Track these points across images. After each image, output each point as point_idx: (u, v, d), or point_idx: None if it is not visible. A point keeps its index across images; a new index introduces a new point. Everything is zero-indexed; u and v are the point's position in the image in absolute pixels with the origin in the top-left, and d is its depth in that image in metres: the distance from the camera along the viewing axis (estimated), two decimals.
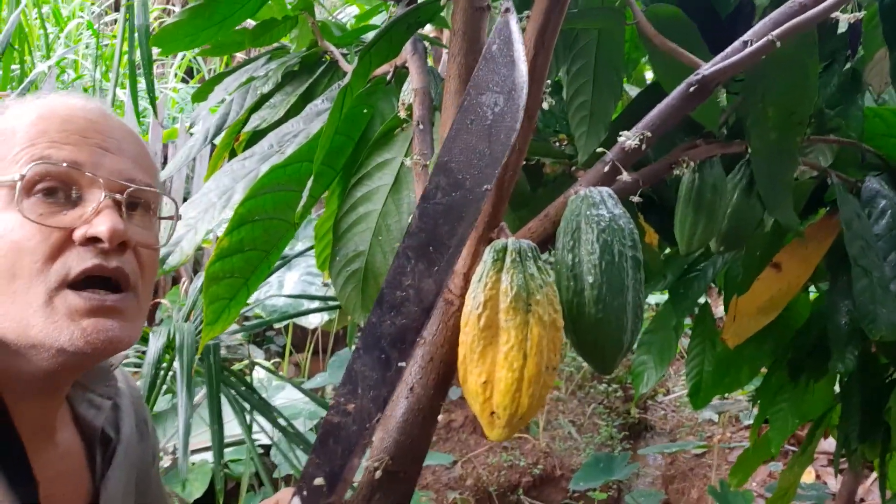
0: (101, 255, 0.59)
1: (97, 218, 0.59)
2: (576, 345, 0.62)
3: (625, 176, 0.67)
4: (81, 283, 0.59)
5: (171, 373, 1.55)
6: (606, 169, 0.68)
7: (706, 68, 0.71)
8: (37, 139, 0.60)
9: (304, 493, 0.59)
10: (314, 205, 1.00)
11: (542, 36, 0.51)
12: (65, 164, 0.59)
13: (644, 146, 0.68)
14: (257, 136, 1.16)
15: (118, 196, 0.61)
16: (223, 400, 1.62)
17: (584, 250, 0.60)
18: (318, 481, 0.57)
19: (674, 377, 4.15)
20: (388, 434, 0.61)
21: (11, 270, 0.58)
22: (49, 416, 0.67)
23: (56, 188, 0.59)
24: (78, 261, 0.59)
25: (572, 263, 0.61)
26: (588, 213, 0.61)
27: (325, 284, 2.64)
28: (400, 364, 0.53)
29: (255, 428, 1.80)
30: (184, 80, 4.33)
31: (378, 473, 0.59)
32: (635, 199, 0.83)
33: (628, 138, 0.68)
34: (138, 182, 0.63)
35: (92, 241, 0.59)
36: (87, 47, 3.71)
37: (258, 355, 3.17)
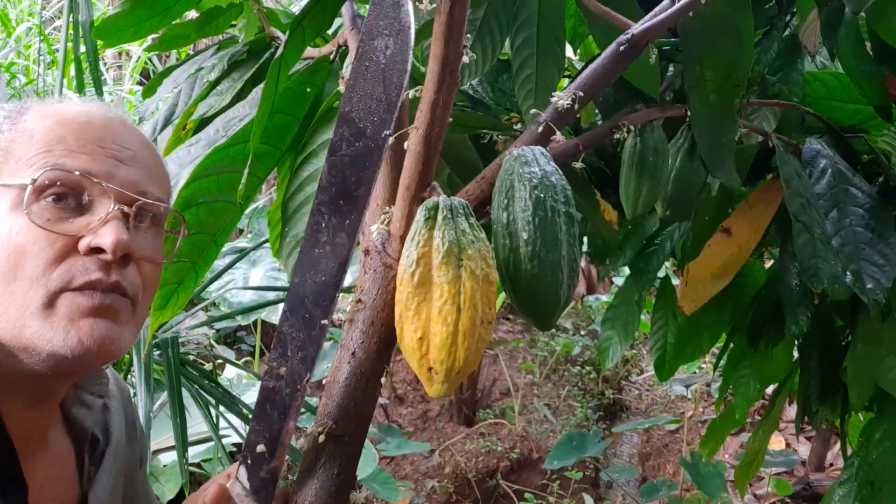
0: (104, 269, 0.59)
1: (103, 228, 0.59)
2: (515, 302, 0.63)
3: (558, 136, 0.68)
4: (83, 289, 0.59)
5: (133, 373, 1.53)
6: (540, 129, 0.69)
7: (635, 28, 0.72)
8: (53, 145, 0.60)
9: (249, 461, 0.59)
10: (259, 185, 0.99)
11: None
12: (77, 173, 0.59)
13: (576, 105, 0.69)
14: (204, 123, 1.14)
15: (127, 208, 0.61)
16: (191, 399, 1.60)
17: (518, 207, 0.61)
18: (260, 448, 0.57)
19: (646, 357, 4.21)
20: (332, 399, 0.61)
21: (13, 272, 0.58)
22: (41, 421, 0.66)
23: (66, 194, 0.60)
24: (82, 271, 0.59)
25: (507, 221, 0.61)
26: (521, 171, 0.62)
27: None
28: (323, 322, 0.53)
29: (226, 426, 1.79)
30: (140, 84, 4.26)
31: (322, 437, 0.59)
32: (578, 165, 0.84)
33: (560, 98, 0.69)
34: (149, 195, 0.64)
35: (95, 251, 0.59)
36: (39, 52, 3.63)
37: (230, 356, 3.14)
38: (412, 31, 0.51)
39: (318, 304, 0.54)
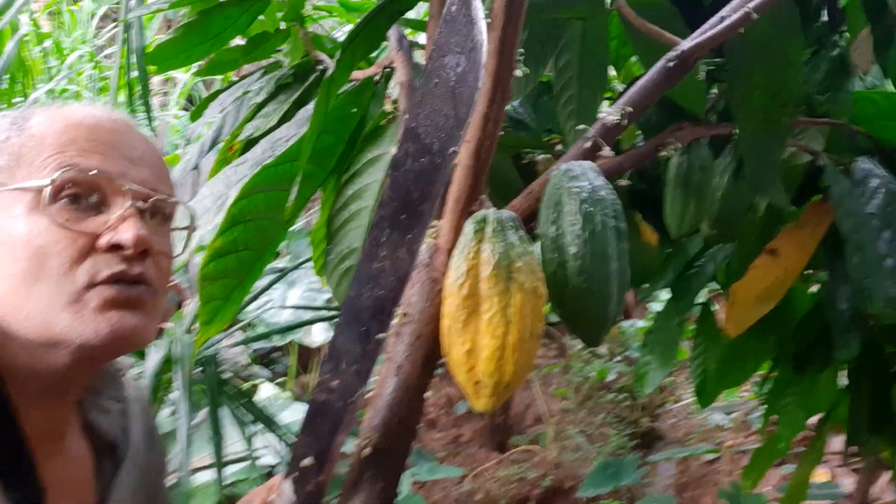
0: (126, 262, 0.61)
1: (122, 225, 0.61)
2: (562, 317, 0.62)
3: (606, 151, 0.68)
4: (109, 282, 0.60)
5: (173, 392, 1.55)
6: (588, 145, 0.69)
7: (684, 44, 0.72)
8: (66, 147, 0.61)
9: (295, 474, 0.59)
10: (305, 203, 1.01)
11: (510, 3, 0.52)
12: (93, 172, 0.61)
13: (625, 122, 0.69)
14: (251, 144, 1.17)
15: (141, 204, 0.63)
16: (227, 418, 1.61)
17: (567, 221, 0.60)
18: (307, 461, 0.57)
19: (683, 384, 4.11)
20: (377, 412, 0.61)
21: (36, 273, 0.59)
22: (59, 422, 0.67)
23: (81, 194, 0.61)
24: (105, 265, 0.60)
25: (555, 235, 0.61)
26: (569, 185, 0.62)
27: (328, 301, 2.65)
28: (379, 336, 0.54)
29: (261, 444, 1.79)
30: (185, 109, 4.38)
31: (367, 451, 0.59)
32: (623, 182, 0.84)
33: (609, 114, 0.69)
34: (160, 192, 0.65)
35: (116, 247, 0.60)
36: (89, 79, 3.76)
37: (264, 376, 3.16)
38: (484, 49, 0.52)
39: (376, 318, 0.54)
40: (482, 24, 0.52)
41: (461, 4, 0.53)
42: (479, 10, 0.53)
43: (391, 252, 0.54)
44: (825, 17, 1.13)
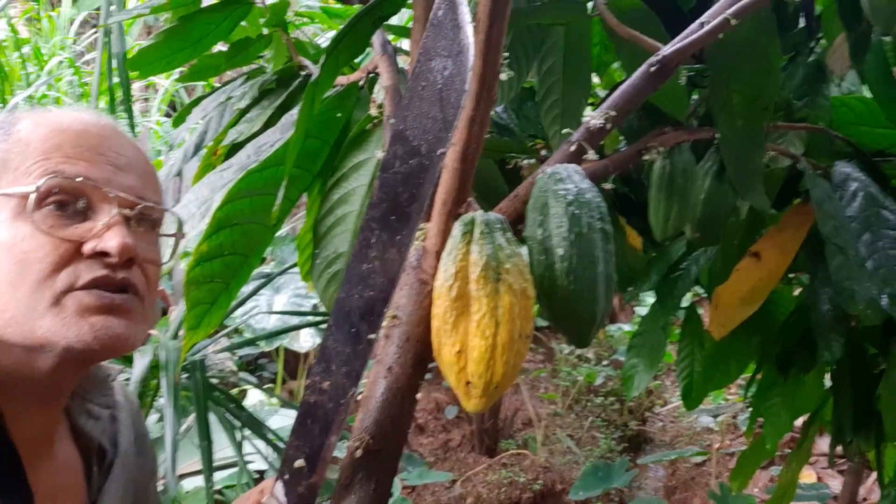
0: (109, 268, 0.61)
1: (107, 233, 0.61)
2: (550, 318, 0.63)
3: (591, 154, 0.69)
4: (89, 287, 0.60)
5: (160, 398, 1.54)
6: (572, 149, 0.70)
7: (666, 49, 0.73)
8: (51, 153, 0.61)
9: (286, 476, 0.59)
10: (291, 208, 1.01)
11: (496, 5, 0.53)
12: (79, 179, 0.61)
13: (608, 125, 0.70)
14: (235, 149, 1.17)
15: (128, 212, 0.63)
16: (215, 423, 1.61)
17: (553, 224, 0.61)
18: (299, 463, 0.57)
19: (670, 388, 4.15)
20: (368, 414, 0.61)
21: (19, 278, 0.59)
22: (47, 427, 0.67)
23: (67, 201, 0.61)
24: (87, 270, 0.60)
25: (542, 238, 0.62)
26: (555, 188, 0.63)
27: (315, 306, 2.64)
28: (370, 337, 0.54)
29: (250, 449, 1.79)
30: (167, 115, 4.36)
31: (359, 453, 0.59)
32: (607, 186, 0.85)
33: (593, 118, 0.70)
34: (147, 199, 0.65)
35: (100, 254, 0.60)
36: (69, 85, 3.73)
37: (251, 383, 3.14)
38: (471, 52, 0.52)
39: (366, 319, 0.55)
40: (469, 29, 0.53)
41: (448, 9, 0.54)
42: (465, 15, 0.53)
43: (381, 253, 0.54)
44: (802, 24, 1.16)
